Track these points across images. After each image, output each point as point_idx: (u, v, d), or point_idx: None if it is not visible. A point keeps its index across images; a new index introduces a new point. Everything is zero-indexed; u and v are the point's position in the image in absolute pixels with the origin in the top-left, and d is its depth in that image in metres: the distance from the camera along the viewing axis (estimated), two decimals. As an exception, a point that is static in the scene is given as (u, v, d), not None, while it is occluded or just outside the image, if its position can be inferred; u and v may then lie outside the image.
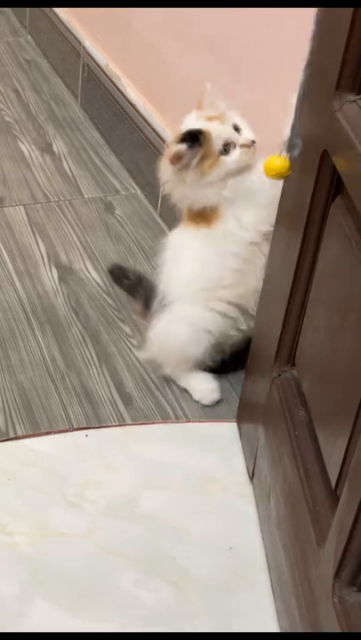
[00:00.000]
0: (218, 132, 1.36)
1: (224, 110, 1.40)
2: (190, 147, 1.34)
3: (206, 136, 1.35)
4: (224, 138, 1.36)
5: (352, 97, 0.98)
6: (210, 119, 1.38)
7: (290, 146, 1.07)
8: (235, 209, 1.39)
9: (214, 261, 1.41)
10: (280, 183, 1.19)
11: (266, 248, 1.35)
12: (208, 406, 1.48)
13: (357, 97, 0.98)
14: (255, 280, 1.39)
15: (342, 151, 0.97)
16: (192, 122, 1.40)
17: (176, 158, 1.35)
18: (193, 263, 1.43)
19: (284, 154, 1.08)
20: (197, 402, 1.48)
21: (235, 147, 1.36)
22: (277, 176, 1.09)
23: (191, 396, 1.49)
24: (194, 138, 1.35)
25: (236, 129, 1.38)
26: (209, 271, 1.42)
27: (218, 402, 1.49)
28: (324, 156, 1.03)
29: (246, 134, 1.38)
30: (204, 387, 1.49)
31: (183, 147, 1.34)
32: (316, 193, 1.07)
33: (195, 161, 1.35)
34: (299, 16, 1.31)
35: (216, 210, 1.39)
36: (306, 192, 1.08)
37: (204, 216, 1.41)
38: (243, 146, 1.36)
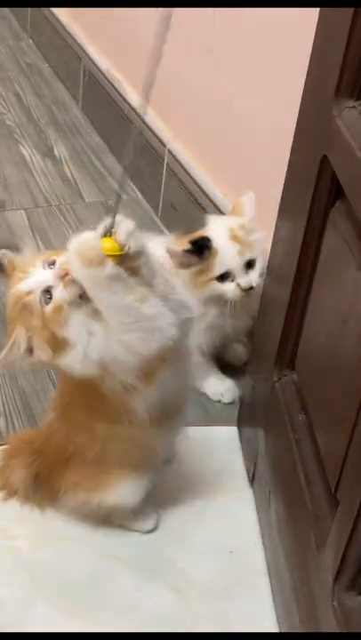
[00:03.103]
0: (227, 256, 1.33)
1: (252, 239, 1.35)
2: (190, 252, 1.32)
3: (212, 253, 1.33)
4: (227, 265, 1.33)
5: (351, 103, 0.98)
6: (235, 239, 1.34)
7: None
8: None
9: None
10: None
11: None
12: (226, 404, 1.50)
13: (357, 103, 0.98)
14: None
15: (342, 156, 0.97)
16: (218, 231, 1.35)
17: (172, 254, 1.32)
18: None
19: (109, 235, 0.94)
20: (218, 402, 1.49)
21: (233, 280, 1.33)
22: (112, 258, 0.94)
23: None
24: (200, 248, 1.32)
25: (250, 265, 1.34)
26: None
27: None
28: (324, 161, 1.03)
29: (252, 277, 1.34)
30: (221, 386, 1.50)
31: (180, 250, 1.32)
32: (316, 198, 1.07)
33: (190, 267, 1.33)
34: (300, 20, 1.31)
35: None
36: (305, 197, 1.08)
37: None
38: (238, 285, 1.33)
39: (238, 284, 1.33)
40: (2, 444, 1.37)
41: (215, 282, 1.33)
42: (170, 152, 1.87)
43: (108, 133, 2.23)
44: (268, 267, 1.29)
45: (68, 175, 2.11)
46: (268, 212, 1.29)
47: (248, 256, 1.34)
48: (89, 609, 1.16)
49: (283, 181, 1.19)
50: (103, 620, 1.14)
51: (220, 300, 1.36)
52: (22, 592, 1.16)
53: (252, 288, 1.34)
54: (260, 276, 1.33)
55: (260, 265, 1.34)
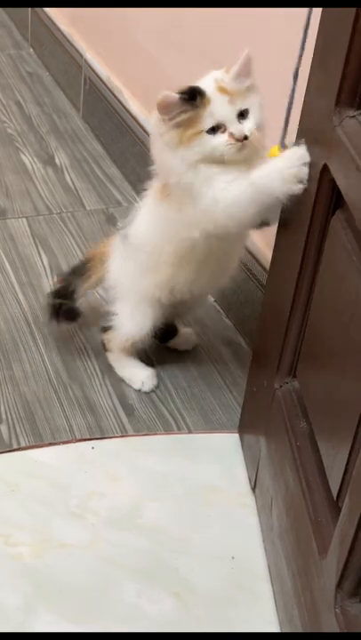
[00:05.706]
0: (216, 107, 1.21)
1: (246, 89, 1.24)
2: (183, 99, 1.21)
3: (204, 102, 1.21)
4: (217, 117, 1.21)
5: (352, 112, 0.99)
6: (222, 91, 1.22)
7: (283, 142, 1.18)
8: (181, 198, 1.29)
9: (159, 231, 1.37)
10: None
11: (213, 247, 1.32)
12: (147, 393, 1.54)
13: (357, 112, 0.99)
14: (187, 278, 1.39)
15: (342, 166, 0.98)
16: (205, 82, 1.25)
17: (164, 105, 1.21)
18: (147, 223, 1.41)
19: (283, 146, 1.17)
20: (138, 390, 1.53)
21: (224, 132, 1.22)
22: None
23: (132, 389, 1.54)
24: (192, 95, 1.22)
25: (243, 115, 1.23)
26: (155, 238, 1.38)
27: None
28: (325, 170, 1.04)
29: (246, 126, 1.22)
30: (142, 374, 1.54)
31: (173, 94, 1.20)
32: (317, 207, 1.08)
33: (181, 117, 1.21)
34: (300, 22, 1.32)
35: (167, 188, 1.31)
36: (306, 206, 1.09)
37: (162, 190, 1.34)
38: (231, 135, 1.21)
39: (231, 134, 1.22)
40: (3, 452, 1.38)
41: (205, 135, 1.22)
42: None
43: (108, 141, 2.24)
44: (269, 273, 1.29)
45: (69, 183, 2.12)
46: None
47: (240, 106, 1.23)
48: (91, 615, 1.16)
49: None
50: (105, 626, 1.14)
51: (211, 159, 1.24)
52: (24, 599, 1.17)
53: (246, 138, 1.23)
54: (257, 128, 1.24)
55: (254, 114, 1.24)
